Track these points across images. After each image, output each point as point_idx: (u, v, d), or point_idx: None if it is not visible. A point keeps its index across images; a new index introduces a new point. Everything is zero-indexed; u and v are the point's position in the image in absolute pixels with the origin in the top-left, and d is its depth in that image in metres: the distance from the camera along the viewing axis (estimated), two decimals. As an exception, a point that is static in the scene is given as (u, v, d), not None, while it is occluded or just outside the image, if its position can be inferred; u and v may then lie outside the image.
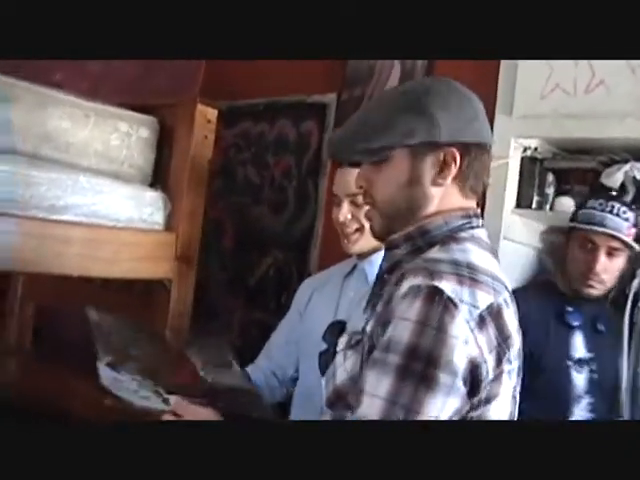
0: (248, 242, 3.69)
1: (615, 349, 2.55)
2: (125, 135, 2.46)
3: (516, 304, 1.45)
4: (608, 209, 2.51)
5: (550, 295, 2.67)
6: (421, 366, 1.25)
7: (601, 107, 2.62)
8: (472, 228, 1.49)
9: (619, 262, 2.55)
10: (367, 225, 1.94)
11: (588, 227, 2.53)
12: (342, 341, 1.52)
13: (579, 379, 2.54)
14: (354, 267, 2.25)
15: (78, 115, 2.37)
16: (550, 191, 2.94)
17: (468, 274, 1.34)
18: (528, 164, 2.94)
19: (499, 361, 1.31)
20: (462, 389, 1.27)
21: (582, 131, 2.70)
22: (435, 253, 1.40)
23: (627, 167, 2.70)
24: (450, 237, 1.45)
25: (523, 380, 1.46)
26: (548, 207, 2.93)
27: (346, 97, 3.45)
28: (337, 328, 1.97)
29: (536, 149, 2.95)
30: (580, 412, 2.52)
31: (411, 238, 1.46)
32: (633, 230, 2.53)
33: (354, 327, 1.59)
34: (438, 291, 1.28)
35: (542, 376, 2.46)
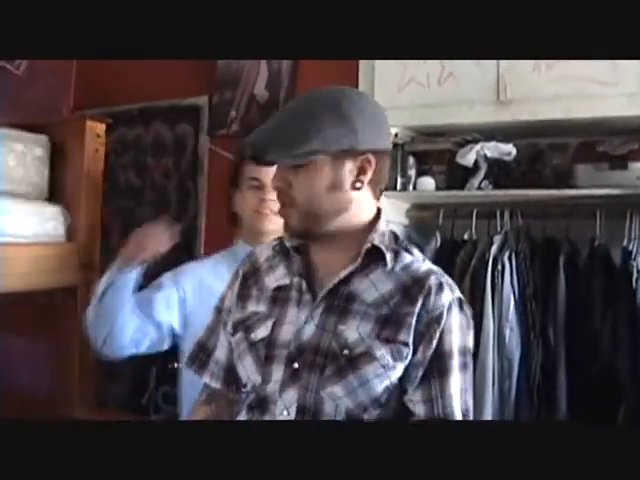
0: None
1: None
2: (21, 155, 2.59)
3: None
4: None
5: None
6: (469, 358, 1.58)
7: (452, 96, 2.94)
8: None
9: None
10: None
11: None
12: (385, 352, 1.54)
13: None
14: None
15: (-26, 140, 2.50)
16: (412, 172, 3.23)
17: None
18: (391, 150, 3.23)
19: None
20: None
21: (437, 118, 3.02)
22: (423, 263, 1.62)
23: (478, 147, 3.03)
24: (404, 244, 1.66)
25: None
26: (411, 187, 3.23)
27: (217, 99, 3.67)
28: None
29: (396, 135, 3.24)
30: None
31: (387, 247, 1.60)
32: None
33: None
34: (462, 301, 1.60)
35: None
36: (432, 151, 3.26)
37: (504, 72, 2.85)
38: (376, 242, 1.58)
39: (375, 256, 1.58)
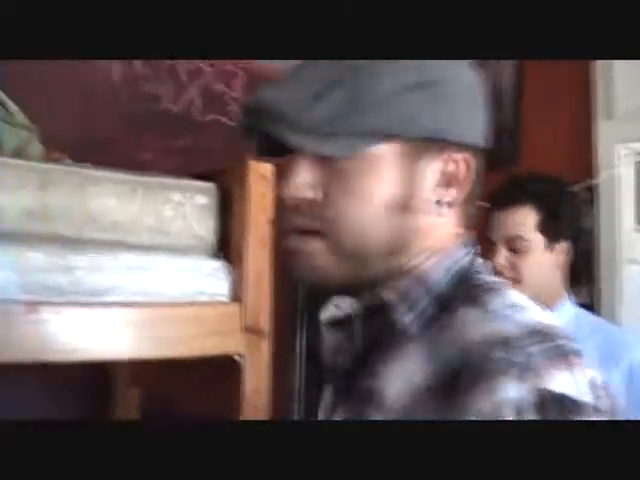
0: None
1: None
2: (178, 205, 2.32)
3: None
4: None
5: None
6: None
7: None
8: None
9: None
10: (525, 275, 1.98)
11: None
12: None
13: None
14: None
15: (124, 191, 2.26)
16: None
17: (556, 346, 0.89)
18: (643, 171, 2.60)
19: None
20: None
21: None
22: (479, 322, 0.95)
23: None
24: (470, 287, 1.01)
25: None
26: (676, 218, 2.55)
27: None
28: None
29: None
30: None
31: (407, 297, 1.03)
32: None
33: None
34: (557, 399, 0.83)
35: None
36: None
37: None
38: None
39: None
